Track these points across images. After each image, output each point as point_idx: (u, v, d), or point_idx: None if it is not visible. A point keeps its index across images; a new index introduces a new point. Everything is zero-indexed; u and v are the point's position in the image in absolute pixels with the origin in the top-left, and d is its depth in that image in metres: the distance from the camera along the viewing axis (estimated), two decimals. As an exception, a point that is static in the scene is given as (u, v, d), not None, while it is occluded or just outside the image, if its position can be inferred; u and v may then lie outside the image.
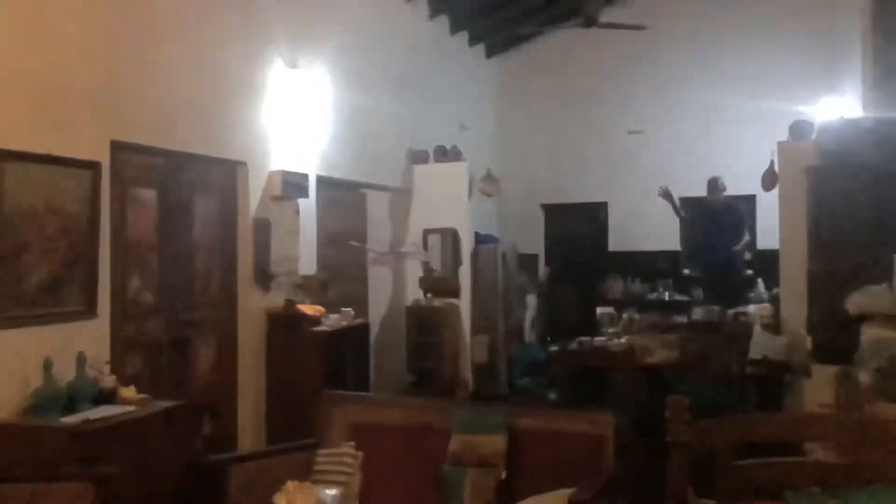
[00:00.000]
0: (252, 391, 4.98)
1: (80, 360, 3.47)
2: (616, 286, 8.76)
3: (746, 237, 7.26)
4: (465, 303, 7.17)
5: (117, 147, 3.95)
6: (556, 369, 5.86)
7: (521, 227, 9.13)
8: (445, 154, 7.47)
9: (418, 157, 7.44)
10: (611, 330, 6.15)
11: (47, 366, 3.33)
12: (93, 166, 3.76)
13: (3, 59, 3.36)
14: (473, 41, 8.88)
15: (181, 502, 3.60)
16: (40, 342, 3.43)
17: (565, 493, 2.72)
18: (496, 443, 3.13)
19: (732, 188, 7.31)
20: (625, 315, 6.66)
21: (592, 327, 6.74)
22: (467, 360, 7.21)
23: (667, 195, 7.27)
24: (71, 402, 3.35)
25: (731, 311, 6.46)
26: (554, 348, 5.92)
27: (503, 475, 3.10)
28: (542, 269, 9.27)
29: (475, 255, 7.45)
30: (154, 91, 4.20)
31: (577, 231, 9.50)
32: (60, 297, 3.60)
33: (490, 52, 9.38)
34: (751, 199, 7.89)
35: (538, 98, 9.42)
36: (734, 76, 8.48)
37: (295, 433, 4.23)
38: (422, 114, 7.45)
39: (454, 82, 8.32)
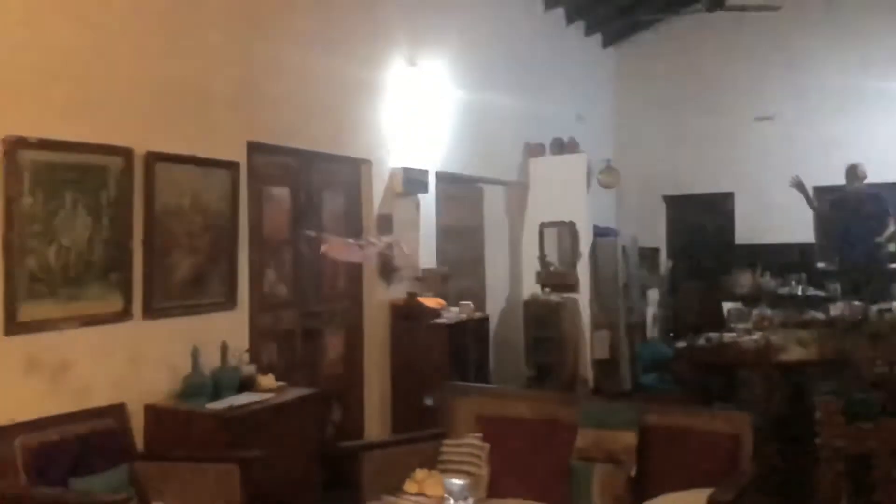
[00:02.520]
0: (377, 380, 5.13)
1: (224, 349, 3.69)
2: (744, 280, 8.32)
3: (892, 227, 6.77)
4: (583, 297, 7.06)
5: (253, 148, 4.17)
6: (683, 366, 5.65)
7: (642, 220, 8.87)
8: (562, 146, 7.39)
9: (535, 151, 7.39)
10: (741, 326, 5.86)
11: (195, 354, 3.56)
12: (232, 166, 3.99)
13: (154, 69, 3.61)
14: (590, 31, 8.71)
15: (314, 486, 3.77)
16: (186, 331, 3.68)
17: (702, 492, 2.63)
18: (627, 438, 3.07)
19: (873, 176, 6.82)
20: (755, 310, 6.32)
21: (719, 323, 6.45)
22: (587, 356, 7.10)
23: (799, 185, 6.89)
24: (216, 388, 3.57)
25: (874, 308, 6.02)
26: (680, 344, 5.71)
27: (633, 471, 3.03)
28: (665, 263, 8.99)
29: (594, 249, 7.32)
30: (285, 94, 4.39)
31: (701, 223, 9.15)
32: (204, 290, 3.84)
33: (607, 41, 9.17)
34: (894, 187, 7.34)
35: (658, 86, 9.12)
36: (873, 56, 7.90)
37: (419, 422, 4.33)
38: (538, 106, 7.39)
39: (571, 73, 8.20)
